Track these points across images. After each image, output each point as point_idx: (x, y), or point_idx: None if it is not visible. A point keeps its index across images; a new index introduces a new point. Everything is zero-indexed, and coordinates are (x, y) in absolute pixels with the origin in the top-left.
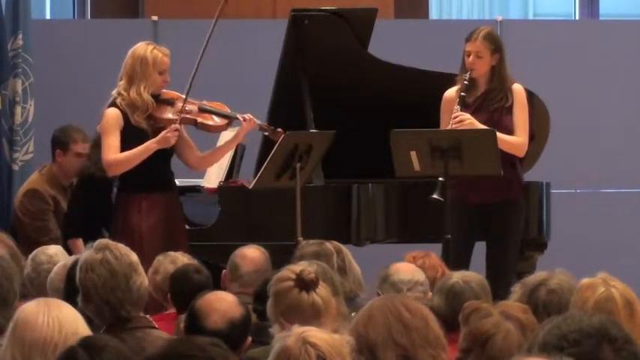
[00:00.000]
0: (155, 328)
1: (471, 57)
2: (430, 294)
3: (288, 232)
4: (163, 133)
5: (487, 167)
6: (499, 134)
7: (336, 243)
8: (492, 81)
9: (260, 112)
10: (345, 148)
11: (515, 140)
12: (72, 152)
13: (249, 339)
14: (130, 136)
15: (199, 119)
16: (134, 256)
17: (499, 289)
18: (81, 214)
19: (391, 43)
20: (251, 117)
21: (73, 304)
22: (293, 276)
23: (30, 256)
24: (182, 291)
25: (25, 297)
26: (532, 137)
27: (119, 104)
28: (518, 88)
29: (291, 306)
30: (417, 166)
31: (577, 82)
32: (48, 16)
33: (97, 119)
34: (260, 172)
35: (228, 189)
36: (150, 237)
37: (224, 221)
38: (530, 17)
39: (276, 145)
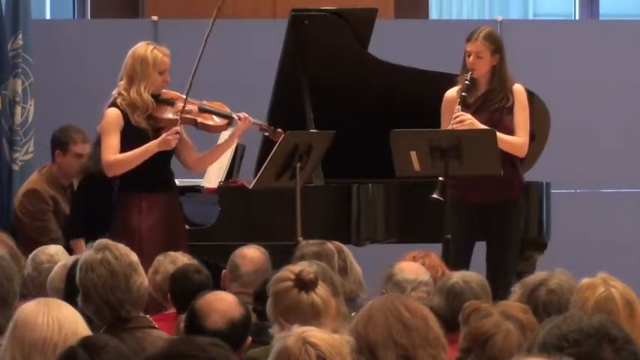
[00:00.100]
0: (155, 328)
1: (472, 57)
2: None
3: (288, 232)
4: (164, 135)
5: (487, 167)
6: (500, 134)
7: (337, 243)
8: (493, 81)
9: (260, 112)
10: (345, 148)
11: (515, 140)
12: (71, 153)
13: (249, 339)
14: (131, 136)
15: (199, 119)
16: (134, 256)
17: (499, 289)
18: (83, 214)
19: (391, 43)
20: (246, 115)
21: (73, 304)
22: (292, 276)
23: (30, 256)
24: (182, 291)
25: (25, 297)
26: (532, 137)
27: (119, 104)
28: (518, 89)
29: (291, 306)
30: (417, 166)
31: (577, 82)
32: (48, 16)
33: (97, 119)
34: (260, 172)
35: (228, 189)
36: (150, 237)
37: (224, 221)
38: (530, 17)
39: (276, 145)
